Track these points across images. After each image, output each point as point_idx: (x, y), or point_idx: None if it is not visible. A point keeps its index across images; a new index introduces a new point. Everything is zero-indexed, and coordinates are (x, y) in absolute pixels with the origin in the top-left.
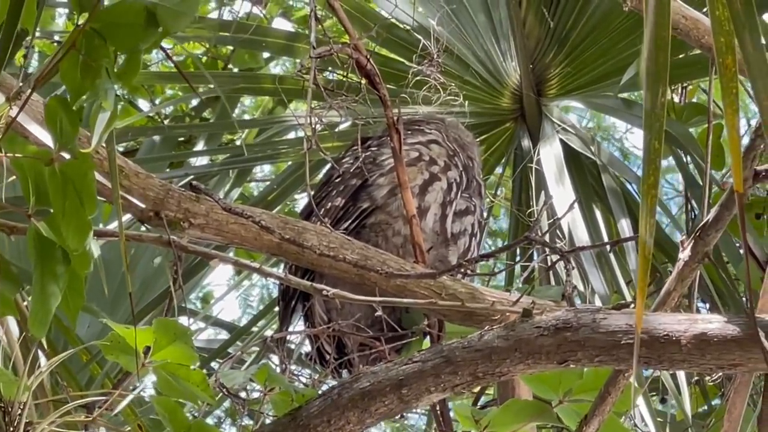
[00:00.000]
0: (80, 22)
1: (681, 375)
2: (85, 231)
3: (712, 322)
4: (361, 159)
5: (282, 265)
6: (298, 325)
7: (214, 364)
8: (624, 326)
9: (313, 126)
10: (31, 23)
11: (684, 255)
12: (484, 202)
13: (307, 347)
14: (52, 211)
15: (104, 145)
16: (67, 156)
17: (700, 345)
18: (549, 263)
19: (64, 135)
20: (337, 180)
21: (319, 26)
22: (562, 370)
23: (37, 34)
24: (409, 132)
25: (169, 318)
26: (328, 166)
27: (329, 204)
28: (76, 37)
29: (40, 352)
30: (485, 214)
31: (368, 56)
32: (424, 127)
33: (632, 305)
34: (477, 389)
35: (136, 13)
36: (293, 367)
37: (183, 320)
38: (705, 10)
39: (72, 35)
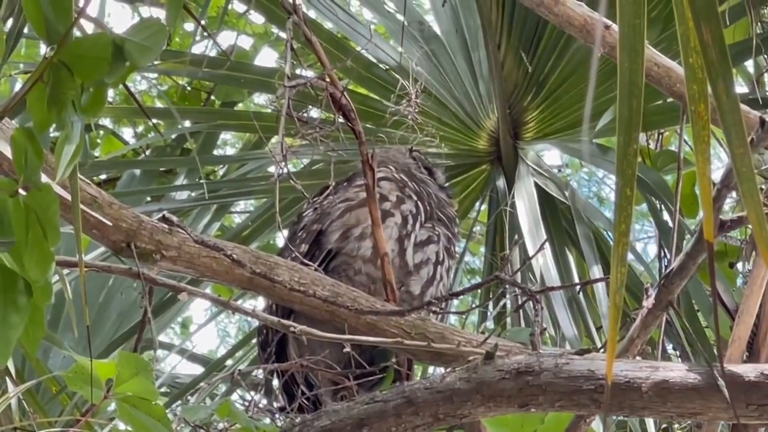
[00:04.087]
0: (48, 54)
1: (649, 421)
2: (47, 262)
3: (673, 370)
4: (318, 208)
5: (258, 300)
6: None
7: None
8: (586, 372)
9: (284, 153)
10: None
11: (648, 303)
12: (455, 225)
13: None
14: (15, 241)
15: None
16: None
17: (661, 392)
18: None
19: (29, 166)
20: (300, 233)
21: (296, 60)
22: (524, 413)
23: (21, 67)
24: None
25: (131, 352)
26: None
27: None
28: (43, 70)
29: (9, 383)
30: (456, 238)
31: (343, 89)
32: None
33: (601, 350)
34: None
35: (103, 47)
36: (257, 398)
37: (158, 353)
38: (679, 60)
39: (39, 67)
